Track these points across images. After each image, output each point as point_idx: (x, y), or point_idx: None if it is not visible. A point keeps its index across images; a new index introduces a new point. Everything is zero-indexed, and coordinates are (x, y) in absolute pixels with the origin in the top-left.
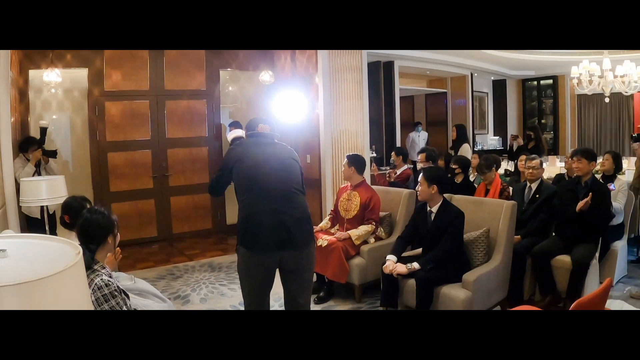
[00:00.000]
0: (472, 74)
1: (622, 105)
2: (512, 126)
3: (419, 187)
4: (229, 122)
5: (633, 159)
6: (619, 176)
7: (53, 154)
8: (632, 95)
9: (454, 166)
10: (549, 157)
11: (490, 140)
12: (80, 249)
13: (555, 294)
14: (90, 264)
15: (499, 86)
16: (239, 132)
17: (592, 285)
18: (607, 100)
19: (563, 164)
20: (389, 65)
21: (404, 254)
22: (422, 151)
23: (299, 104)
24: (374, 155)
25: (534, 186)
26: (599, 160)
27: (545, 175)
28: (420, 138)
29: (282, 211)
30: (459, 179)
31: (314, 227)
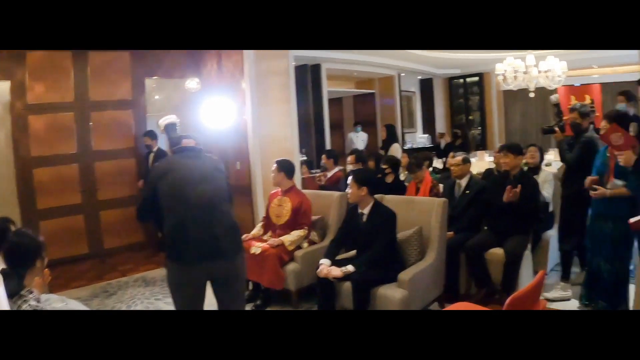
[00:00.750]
0: (399, 74)
1: (546, 100)
2: (440, 124)
3: (349, 190)
4: (144, 132)
5: (557, 150)
6: (544, 167)
7: None
8: (555, 90)
9: (384, 166)
10: (478, 152)
11: (420, 139)
12: None
13: (490, 286)
14: (17, 290)
15: (426, 85)
16: (172, 118)
17: (526, 276)
18: (531, 95)
19: (492, 159)
20: (316, 68)
21: (339, 257)
22: (351, 153)
23: (226, 110)
24: (305, 158)
25: (464, 182)
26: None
27: (474, 171)
28: (359, 139)
29: (208, 222)
30: (389, 179)
31: (246, 235)
